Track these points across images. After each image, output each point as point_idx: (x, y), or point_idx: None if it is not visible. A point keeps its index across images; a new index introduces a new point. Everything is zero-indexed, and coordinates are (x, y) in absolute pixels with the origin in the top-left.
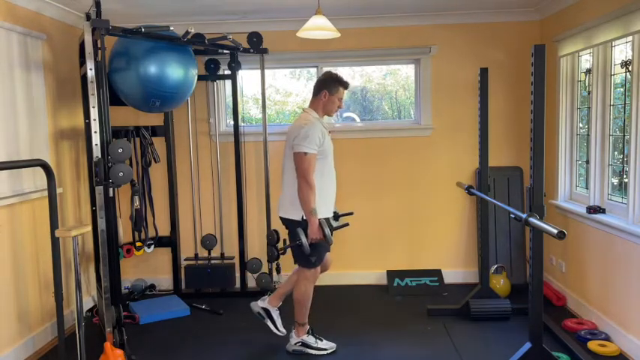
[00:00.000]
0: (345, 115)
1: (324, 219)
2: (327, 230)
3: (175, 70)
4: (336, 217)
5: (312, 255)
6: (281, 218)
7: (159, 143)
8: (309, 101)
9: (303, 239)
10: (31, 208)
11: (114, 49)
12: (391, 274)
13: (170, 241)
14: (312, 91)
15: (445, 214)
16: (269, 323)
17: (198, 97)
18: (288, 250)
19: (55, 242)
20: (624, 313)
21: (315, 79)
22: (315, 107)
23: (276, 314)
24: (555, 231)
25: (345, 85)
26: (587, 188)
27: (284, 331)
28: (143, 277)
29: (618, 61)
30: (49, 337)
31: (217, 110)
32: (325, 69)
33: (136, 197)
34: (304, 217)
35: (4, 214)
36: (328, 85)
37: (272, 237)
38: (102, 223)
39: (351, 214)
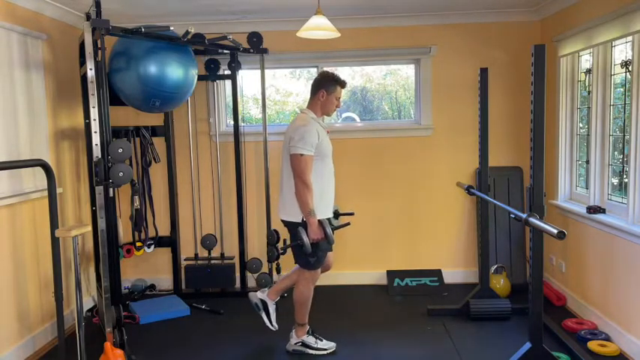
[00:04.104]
0: (345, 115)
1: (326, 219)
2: (329, 229)
3: (175, 70)
4: (337, 215)
5: (311, 256)
6: (282, 221)
7: (159, 143)
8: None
9: (305, 238)
10: (31, 208)
11: (114, 49)
12: (391, 274)
13: (170, 241)
14: (310, 91)
15: (445, 214)
16: (264, 316)
17: (198, 97)
18: (289, 250)
19: (55, 242)
20: (624, 313)
21: None
22: (313, 108)
23: (272, 308)
24: (555, 231)
25: (342, 84)
26: (587, 188)
27: (276, 326)
28: (143, 277)
29: (618, 61)
30: (49, 337)
31: (217, 110)
32: (326, 69)
33: (136, 197)
34: (304, 219)
35: (4, 214)
36: (325, 85)
37: (272, 237)
38: (102, 223)
39: (352, 214)
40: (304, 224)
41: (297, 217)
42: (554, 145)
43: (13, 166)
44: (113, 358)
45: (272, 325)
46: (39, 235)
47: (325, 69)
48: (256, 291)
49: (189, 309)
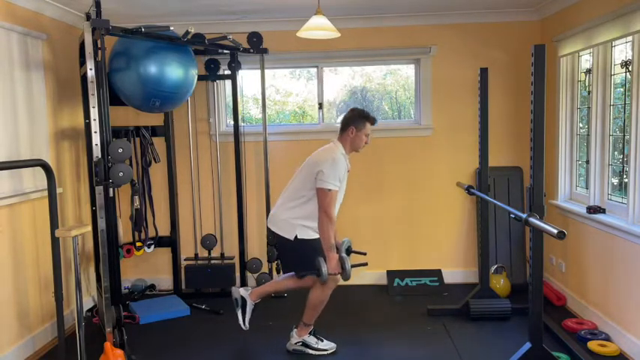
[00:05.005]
0: None
1: (345, 254)
2: (348, 265)
3: (175, 70)
4: (349, 252)
5: (309, 270)
6: (271, 231)
7: (159, 143)
8: (308, 101)
9: (324, 270)
10: (31, 208)
11: (114, 49)
12: (391, 274)
13: (170, 241)
14: (339, 124)
15: (445, 214)
16: (239, 313)
17: (198, 97)
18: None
19: (55, 242)
20: (624, 313)
21: (315, 80)
22: (342, 142)
23: (250, 308)
24: (555, 231)
25: (371, 120)
26: (587, 188)
27: (248, 326)
28: (143, 277)
29: (618, 61)
30: (49, 337)
31: (217, 110)
32: (325, 69)
33: (136, 197)
34: (298, 237)
35: (4, 214)
36: (355, 122)
37: (272, 237)
38: (102, 223)
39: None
40: (296, 242)
41: (289, 235)
42: (554, 145)
43: (13, 166)
44: (113, 358)
45: (244, 324)
46: (39, 235)
47: (327, 69)
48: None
49: (189, 309)
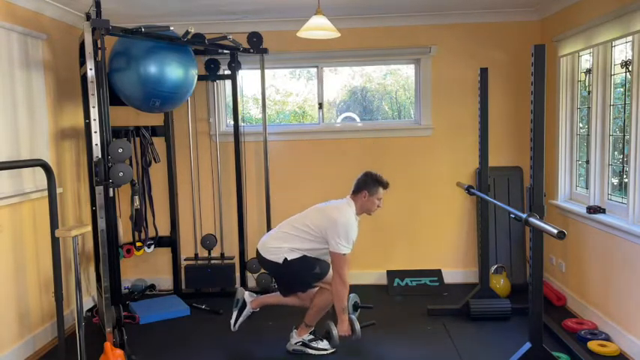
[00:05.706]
0: (345, 115)
1: (353, 315)
2: (358, 326)
3: (175, 70)
4: (356, 307)
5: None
6: (261, 258)
7: (159, 143)
8: (308, 101)
9: (334, 333)
10: (31, 207)
11: (114, 49)
12: (391, 274)
13: (170, 241)
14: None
15: (445, 214)
16: (235, 313)
17: (198, 97)
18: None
19: (55, 242)
20: (624, 313)
21: (315, 80)
22: (355, 202)
23: (246, 314)
24: (555, 231)
25: (384, 185)
26: (587, 188)
27: (236, 329)
28: (143, 277)
29: (618, 61)
30: (49, 337)
31: (217, 110)
32: (325, 69)
33: (136, 197)
34: (288, 259)
35: (4, 214)
36: (368, 186)
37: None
38: (102, 223)
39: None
40: (286, 264)
41: (279, 259)
42: (554, 145)
43: (13, 166)
44: (113, 358)
45: (234, 326)
46: (39, 235)
47: (327, 69)
48: (255, 292)
49: (189, 309)
